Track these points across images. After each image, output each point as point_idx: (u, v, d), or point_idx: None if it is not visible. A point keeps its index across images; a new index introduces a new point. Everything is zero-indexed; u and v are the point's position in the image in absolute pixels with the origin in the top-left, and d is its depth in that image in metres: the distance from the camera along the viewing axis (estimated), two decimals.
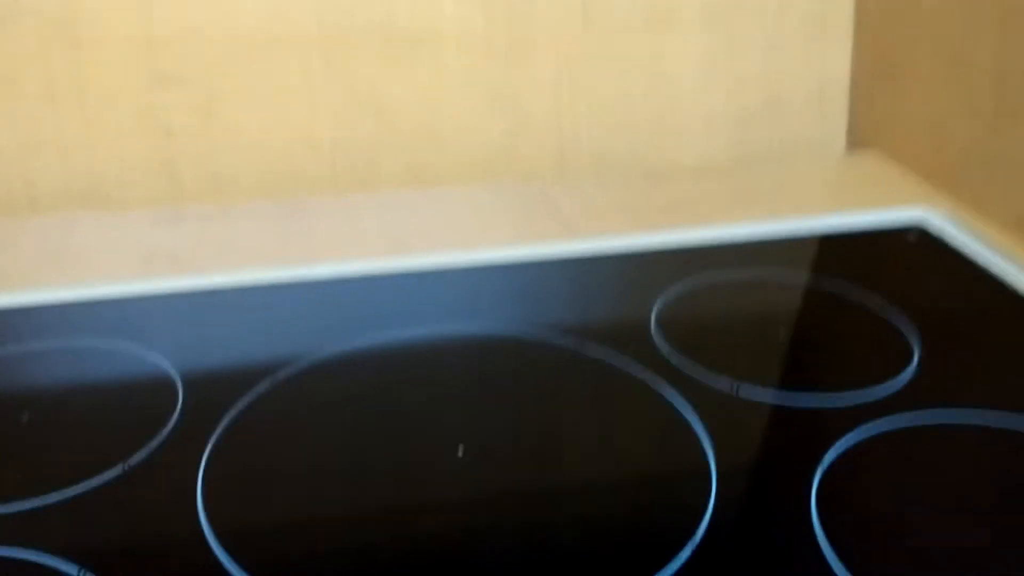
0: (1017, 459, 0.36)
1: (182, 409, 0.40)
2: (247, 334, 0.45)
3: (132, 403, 0.41)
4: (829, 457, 0.37)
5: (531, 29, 0.65)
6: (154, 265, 0.53)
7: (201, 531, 0.34)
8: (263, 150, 0.64)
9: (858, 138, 0.70)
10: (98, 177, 0.62)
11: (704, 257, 0.52)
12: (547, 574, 0.32)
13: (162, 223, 0.58)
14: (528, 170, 0.67)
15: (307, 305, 0.48)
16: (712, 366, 0.42)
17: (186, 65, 0.61)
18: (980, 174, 0.57)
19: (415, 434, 0.38)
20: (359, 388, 0.41)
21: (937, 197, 0.60)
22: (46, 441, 0.38)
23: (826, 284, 0.49)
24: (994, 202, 0.56)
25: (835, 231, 0.55)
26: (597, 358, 0.43)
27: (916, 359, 0.43)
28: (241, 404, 0.40)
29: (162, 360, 0.44)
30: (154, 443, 0.38)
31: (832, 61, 0.69)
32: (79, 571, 0.32)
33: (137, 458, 0.37)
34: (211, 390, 0.41)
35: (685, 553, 0.32)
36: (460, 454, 0.37)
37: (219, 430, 0.39)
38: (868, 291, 0.49)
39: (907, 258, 0.52)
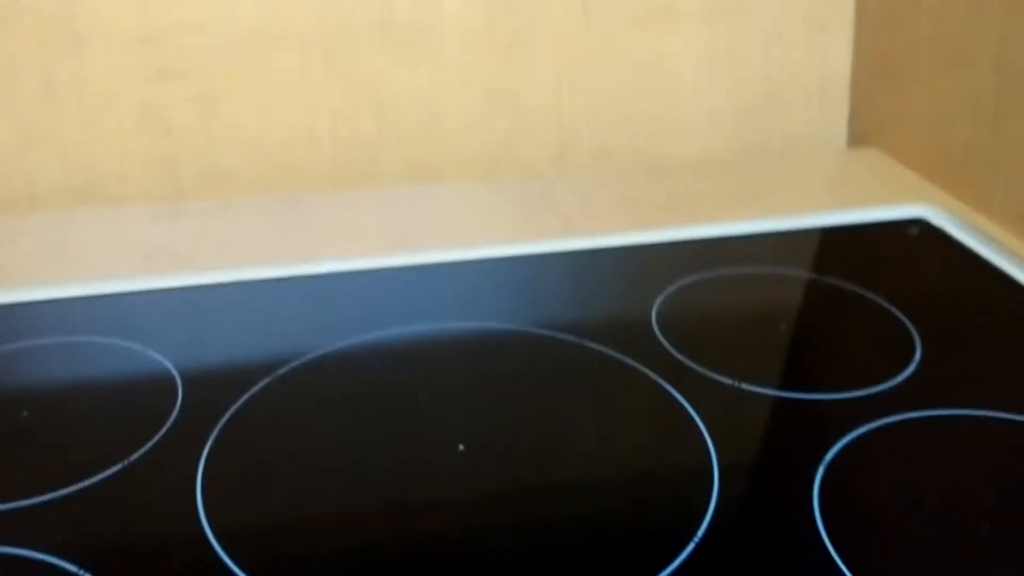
0: (1020, 455, 0.36)
1: (182, 406, 0.40)
2: (247, 331, 0.45)
3: (132, 400, 0.40)
4: (831, 453, 0.37)
5: (531, 25, 0.64)
6: (154, 262, 0.52)
7: (201, 529, 0.33)
8: (263, 146, 0.64)
9: (859, 135, 0.70)
10: (97, 174, 0.62)
11: (705, 253, 0.52)
12: (549, 572, 0.31)
13: (162, 219, 0.58)
14: (528, 166, 0.67)
15: (307, 302, 0.48)
16: (714, 362, 0.42)
17: (185, 61, 0.61)
18: (981, 171, 0.57)
19: (416, 431, 0.38)
20: (359, 385, 0.41)
21: (938, 194, 0.60)
22: (45, 439, 0.38)
23: (827, 280, 0.49)
24: (995, 198, 0.56)
25: (837, 227, 0.55)
26: (598, 354, 0.43)
27: (918, 355, 0.43)
28: (241, 402, 0.40)
29: (162, 357, 0.43)
30: (154, 441, 0.38)
31: (833, 57, 0.69)
32: (78, 570, 0.32)
33: (137, 456, 0.37)
34: (211, 387, 0.41)
35: (688, 550, 0.32)
36: (461, 451, 0.37)
37: (219, 428, 0.39)
38: (870, 288, 0.48)
39: (908, 254, 0.52)
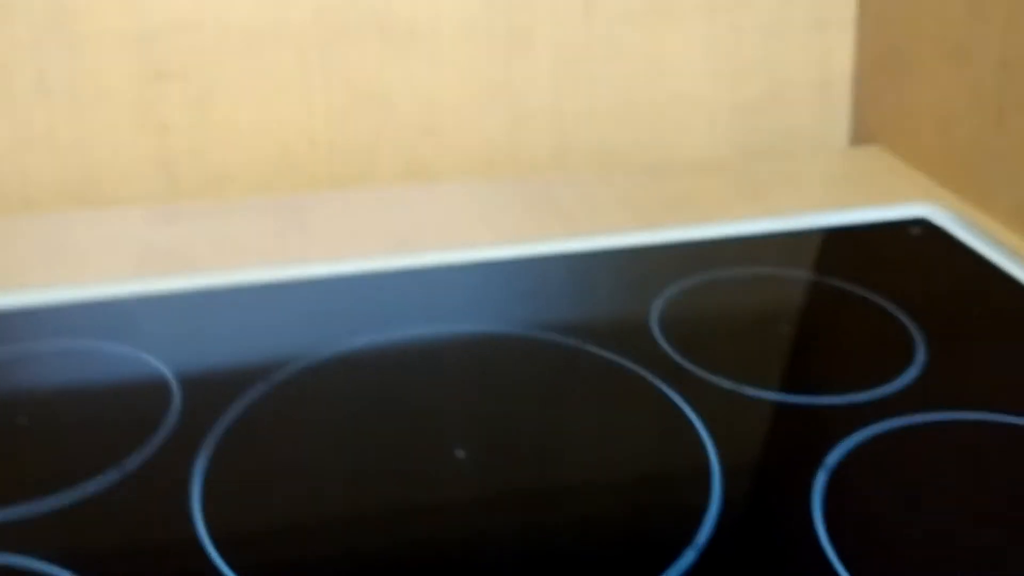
0: None
1: (178, 411, 0.40)
2: (244, 334, 0.45)
3: (127, 405, 0.40)
4: (833, 456, 0.36)
5: (531, 21, 0.64)
6: (150, 263, 0.52)
7: (197, 535, 0.33)
8: (260, 146, 0.63)
9: (861, 132, 0.69)
10: (93, 174, 0.62)
11: (706, 253, 0.52)
12: (549, 575, 0.31)
13: (158, 220, 0.57)
14: (528, 164, 0.67)
15: (305, 304, 0.48)
16: (714, 364, 0.42)
17: (181, 60, 0.61)
18: (985, 169, 0.57)
19: (414, 434, 0.38)
20: (357, 388, 0.41)
21: (941, 192, 0.60)
22: (40, 444, 0.38)
23: (830, 280, 0.49)
24: (999, 197, 0.56)
25: (838, 227, 0.55)
26: (598, 355, 0.43)
27: (921, 356, 0.43)
28: (238, 406, 0.40)
29: (158, 361, 0.43)
30: (150, 446, 0.38)
31: (835, 54, 0.68)
32: None
33: (133, 461, 0.37)
34: (208, 391, 0.41)
35: (688, 554, 0.32)
36: (460, 454, 0.37)
37: (216, 432, 0.38)
38: (872, 287, 0.48)
39: (911, 254, 0.52)
